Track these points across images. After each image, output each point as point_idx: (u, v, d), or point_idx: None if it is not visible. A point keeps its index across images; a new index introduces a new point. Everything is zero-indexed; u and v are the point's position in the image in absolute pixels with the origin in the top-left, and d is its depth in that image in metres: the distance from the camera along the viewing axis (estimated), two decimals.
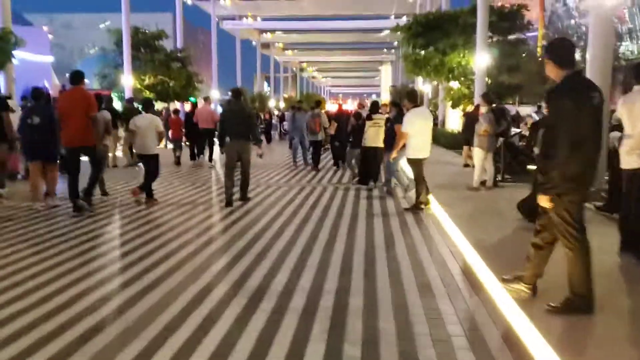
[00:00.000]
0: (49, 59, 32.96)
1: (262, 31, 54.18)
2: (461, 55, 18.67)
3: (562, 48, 4.18)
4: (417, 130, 7.82)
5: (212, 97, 36.18)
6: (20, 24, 40.97)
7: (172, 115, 16.94)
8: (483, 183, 9.91)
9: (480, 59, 16.84)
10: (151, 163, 8.54)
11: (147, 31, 28.50)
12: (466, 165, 13.60)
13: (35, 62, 32.10)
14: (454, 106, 20.16)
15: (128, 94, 25.32)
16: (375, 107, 10.54)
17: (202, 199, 9.36)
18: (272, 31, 54.38)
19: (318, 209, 8.36)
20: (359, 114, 12.74)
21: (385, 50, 67.71)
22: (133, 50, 27.26)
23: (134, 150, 13.29)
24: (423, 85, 33.95)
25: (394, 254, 5.69)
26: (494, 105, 10.15)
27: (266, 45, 60.93)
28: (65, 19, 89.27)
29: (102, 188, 9.12)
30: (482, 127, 9.51)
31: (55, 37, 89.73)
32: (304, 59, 76.55)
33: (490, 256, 5.43)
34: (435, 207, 8.30)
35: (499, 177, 10.67)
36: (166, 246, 6.02)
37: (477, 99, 17.18)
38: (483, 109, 9.77)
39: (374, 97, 74.73)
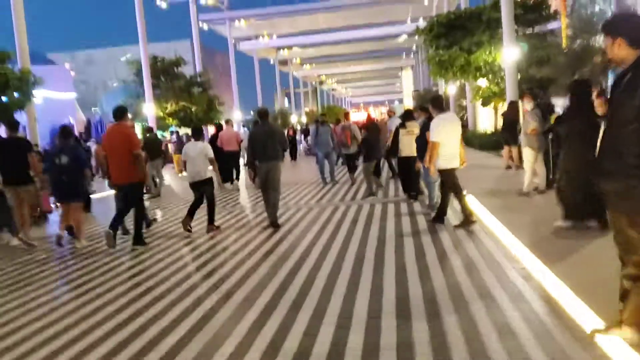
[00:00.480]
0: (72, 95, 33.32)
1: (279, 48, 54.19)
2: (487, 52, 17.98)
3: (635, 23, 3.32)
4: (445, 138, 7.14)
5: (234, 119, 36.18)
6: (42, 63, 41.71)
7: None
8: (535, 187, 9.13)
9: (509, 54, 16.14)
10: (206, 189, 8.29)
11: (165, 59, 28.51)
12: (508, 167, 12.87)
13: (58, 99, 32.53)
14: (484, 104, 19.44)
15: (151, 123, 25.25)
16: (409, 115, 9.93)
17: (240, 222, 9.08)
18: (289, 47, 54.32)
19: (358, 227, 7.78)
20: (372, 124, 12.32)
21: (404, 55, 67.22)
22: (153, 79, 27.31)
23: (156, 180, 13.72)
24: (448, 87, 33.28)
25: (455, 282, 4.92)
26: (538, 100, 9.40)
27: (284, 62, 61.03)
28: (87, 55, 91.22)
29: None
30: (529, 125, 8.75)
31: (78, 74, 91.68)
32: (322, 72, 76.41)
33: (578, 287, 4.37)
34: (488, 218, 7.57)
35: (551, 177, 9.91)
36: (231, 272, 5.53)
37: (509, 96, 16.51)
38: (528, 106, 9.00)
39: (396, 103, 74.03)
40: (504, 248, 5.99)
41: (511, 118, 12.44)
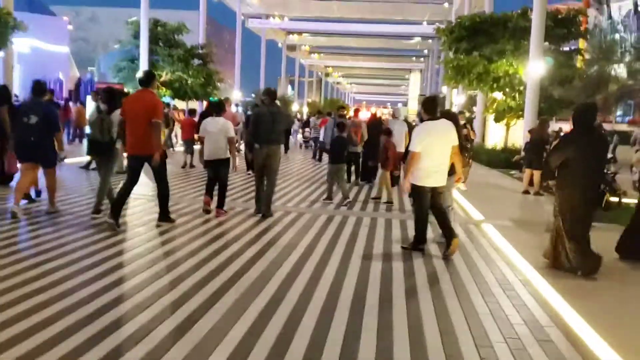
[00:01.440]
0: (65, 49, 31.53)
1: (289, 32, 52.51)
2: (509, 63, 16.64)
3: None
4: (428, 149, 6.01)
5: (233, 99, 34.63)
6: (39, 12, 39.88)
7: (186, 115, 15.60)
8: None
9: (534, 68, 14.82)
10: (222, 170, 7.85)
11: (167, 24, 26.90)
12: (526, 192, 11.53)
13: (50, 52, 30.87)
14: (497, 120, 18.10)
15: None
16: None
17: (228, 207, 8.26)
18: (299, 33, 52.66)
19: (357, 248, 6.43)
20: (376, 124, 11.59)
21: (414, 58, 65.73)
22: (151, 44, 25.72)
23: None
24: (457, 96, 31.90)
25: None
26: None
27: (292, 48, 59.35)
28: (92, 13, 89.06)
29: (98, 206, 7.48)
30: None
31: (80, 30, 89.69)
32: (330, 64, 74.82)
33: None
34: (517, 260, 6.15)
35: None
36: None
37: (528, 112, 15.20)
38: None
39: (399, 106, 72.67)
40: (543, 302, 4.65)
41: (540, 138, 11.12)
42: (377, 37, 53.07)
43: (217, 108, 8.29)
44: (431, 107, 6.27)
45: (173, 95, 26.62)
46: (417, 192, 6.18)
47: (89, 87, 27.78)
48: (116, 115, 7.25)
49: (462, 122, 10.88)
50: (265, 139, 7.74)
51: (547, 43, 16.14)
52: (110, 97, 7.65)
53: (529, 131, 12.41)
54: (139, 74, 7.26)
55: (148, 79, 7.00)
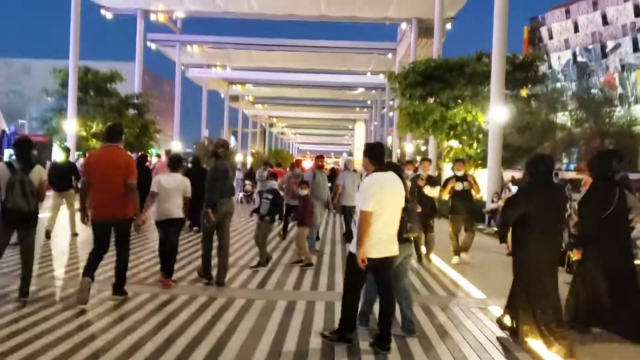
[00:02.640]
0: None
1: (231, 82, 51.38)
2: (466, 109, 15.72)
3: None
4: (378, 209, 4.68)
5: (174, 150, 32.69)
6: None
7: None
8: None
9: (497, 114, 13.88)
10: (174, 231, 7.05)
11: (99, 72, 25.00)
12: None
13: None
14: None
15: (71, 143, 21.61)
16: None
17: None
18: (242, 83, 51.57)
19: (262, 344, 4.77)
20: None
21: (357, 109, 65.84)
22: (81, 93, 23.73)
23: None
24: (406, 145, 31.23)
25: None
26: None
27: (235, 98, 58.17)
28: (24, 65, 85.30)
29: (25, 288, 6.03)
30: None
31: (13, 83, 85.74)
32: (274, 114, 74.07)
33: None
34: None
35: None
36: None
37: (491, 161, 14.21)
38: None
39: (344, 155, 72.29)
40: None
41: None
42: (321, 87, 52.66)
43: (175, 163, 7.32)
44: (378, 156, 4.92)
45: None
46: (354, 263, 4.67)
47: (11, 140, 25.32)
48: (37, 172, 5.97)
49: (410, 172, 9.89)
50: (224, 194, 7.03)
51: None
52: (27, 149, 6.12)
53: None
54: (106, 128, 6.48)
55: (116, 134, 6.24)
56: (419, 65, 16.48)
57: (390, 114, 38.84)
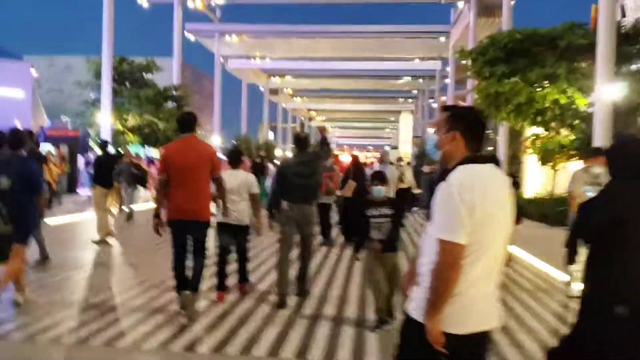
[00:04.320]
0: (19, 93, 27.61)
1: (271, 75, 49.43)
2: (560, 90, 13.18)
3: None
4: (479, 238, 2.33)
5: (214, 145, 30.94)
6: (4, 56, 36.41)
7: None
8: None
9: (605, 94, 11.36)
10: (241, 238, 6.35)
11: (134, 62, 23.30)
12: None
13: (4, 97, 26.94)
14: (544, 161, 14.49)
15: (106, 136, 19.90)
16: None
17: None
18: (282, 75, 49.54)
19: None
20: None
21: (401, 99, 63.04)
22: (116, 83, 22.08)
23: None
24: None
25: None
26: None
27: (274, 92, 56.29)
28: (66, 62, 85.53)
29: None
30: None
31: (56, 81, 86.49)
32: (313, 107, 72.04)
33: None
34: None
35: None
36: None
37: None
38: None
39: (387, 148, 69.74)
40: None
41: None
42: (363, 77, 50.26)
43: (235, 158, 6.50)
44: (477, 130, 2.50)
45: (142, 142, 22.79)
46: (419, 339, 2.34)
47: (43, 137, 23.95)
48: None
49: None
50: (296, 197, 6.10)
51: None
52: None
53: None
54: (178, 118, 5.73)
55: (190, 122, 5.58)
56: (502, 38, 13.95)
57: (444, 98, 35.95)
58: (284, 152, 51.71)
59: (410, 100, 62.19)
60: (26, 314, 5.55)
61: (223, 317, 5.57)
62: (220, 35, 36.09)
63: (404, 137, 54.29)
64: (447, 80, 44.01)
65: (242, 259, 6.44)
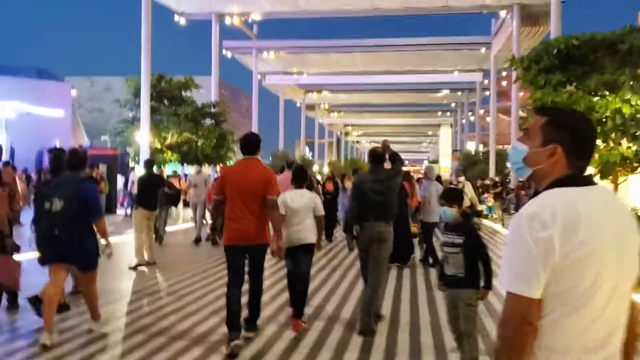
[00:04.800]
0: (60, 113, 27.99)
1: (308, 90, 49.24)
2: (623, 98, 12.22)
3: None
4: (576, 293, 1.65)
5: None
6: (46, 78, 37.34)
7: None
8: None
9: None
10: (306, 259, 5.95)
11: (172, 79, 23.24)
12: None
13: (45, 117, 27.34)
14: (604, 175, 13.49)
15: (145, 155, 19.73)
16: None
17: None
18: (319, 90, 49.28)
19: None
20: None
21: (439, 113, 62.05)
22: (154, 101, 22.00)
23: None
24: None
25: None
26: None
27: (311, 107, 56.13)
28: (107, 82, 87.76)
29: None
30: None
31: (96, 100, 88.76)
32: (349, 122, 71.66)
33: None
34: None
35: None
36: None
37: None
38: None
39: (425, 163, 68.65)
40: None
41: None
42: (400, 91, 49.58)
43: (300, 176, 6.23)
44: (583, 144, 1.80)
45: (180, 159, 22.59)
46: None
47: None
48: None
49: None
50: (371, 215, 5.81)
51: None
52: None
53: None
54: (242, 138, 5.53)
55: (254, 144, 5.48)
56: (558, 44, 13.08)
57: (482, 111, 34.69)
58: (321, 167, 51.33)
59: (448, 113, 61.15)
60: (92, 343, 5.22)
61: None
62: (258, 51, 36.06)
63: (443, 150, 53.27)
64: (487, 93, 43.13)
65: (303, 286, 6.01)
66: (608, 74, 12.54)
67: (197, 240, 12.53)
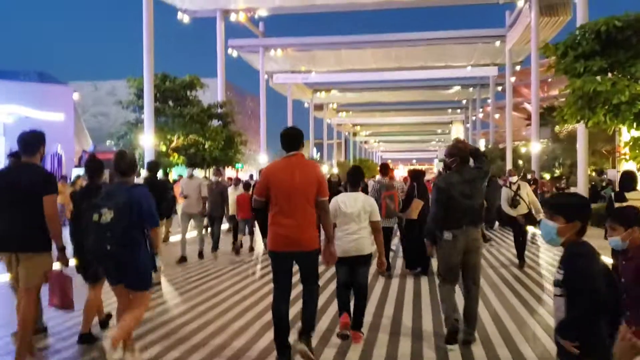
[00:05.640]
0: (60, 117, 27.00)
1: (316, 89, 48.13)
2: None
3: None
4: None
5: (261, 164, 29.65)
6: (48, 82, 36.53)
7: (242, 191, 11.94)
8: None
9: None
10: (362, 270, 5.39)
11: (176, 78, 22.20)
12: None
13: (45, 121, 26.34)
14: None
15: (149, 158, 18.65)
16: None
17: None
18: (327, 89, 48.15)
19: None
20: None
21: (449, 110, 60.81)
22: (158, 102, 20.97)
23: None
24: (534, 144, 26.05)
25: None
26: None
27: (319, 107, 55.02)
28: (111, 86, 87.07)
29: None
30: None
31: (101, 105, 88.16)
32: (358, 121, 70.45)
33: None
34: None
35: None
36: None
37: None
38: None
39: (435, 162, 67.35)
40: None
41: None
42: (411, 88, 48.38)
43: (355, 177, 5.65)
44: None
45: (187, 162, 21.54)
46: None
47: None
48: None
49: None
50: (462, 221, 5.21)
51: None
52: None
53: None
54: (283, 134, 4.74)
55: (296, 140, 4.79)
56: (599, 26, 11.87)
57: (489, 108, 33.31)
58: (331, 168, 50.23)
59: (459, 110, 59.87)
60: None
61: None
62: (265, 49, 34.99)
63: None
64: (499, 88, 41.87)
65: (361, 300, 5.43)
66: None
67: (200, 254, 11.09)
